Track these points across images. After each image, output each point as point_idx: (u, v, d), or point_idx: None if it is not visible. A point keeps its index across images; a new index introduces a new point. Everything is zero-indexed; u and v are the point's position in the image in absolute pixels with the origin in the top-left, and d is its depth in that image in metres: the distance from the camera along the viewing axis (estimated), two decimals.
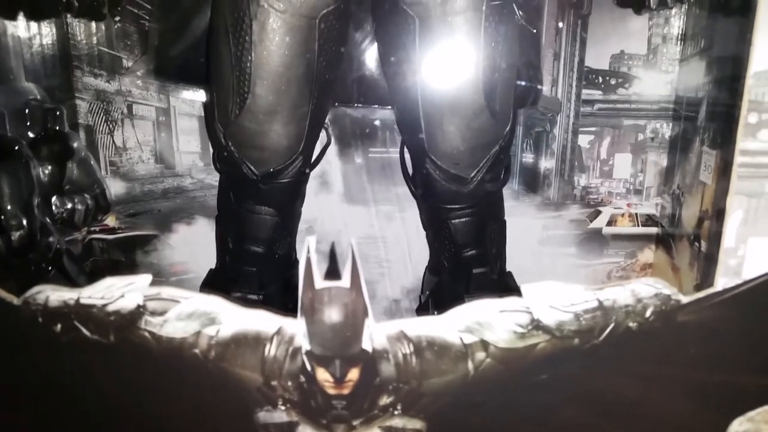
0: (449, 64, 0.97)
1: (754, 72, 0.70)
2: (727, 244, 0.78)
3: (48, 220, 1.07)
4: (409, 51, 0.99)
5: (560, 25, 1.23)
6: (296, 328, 0.76)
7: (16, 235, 0.93)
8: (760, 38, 0.69)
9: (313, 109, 1.05)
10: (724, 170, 0.99)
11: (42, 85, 1.24)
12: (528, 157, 1.32)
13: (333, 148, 1.30)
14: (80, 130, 1.32)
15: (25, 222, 0.95)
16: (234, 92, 0.99)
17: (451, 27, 0.95)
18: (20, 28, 1.17)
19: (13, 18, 1.18)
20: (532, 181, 1.33)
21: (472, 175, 1.05)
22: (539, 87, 1.17)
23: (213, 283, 1.18)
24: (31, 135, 1.09)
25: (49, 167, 1.09)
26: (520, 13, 1.08)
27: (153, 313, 0.77)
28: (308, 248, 0.73)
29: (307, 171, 1.11)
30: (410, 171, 1.18)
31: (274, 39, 0.95)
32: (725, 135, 0.97)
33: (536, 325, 0.75)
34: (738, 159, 0.74)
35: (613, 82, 1.26)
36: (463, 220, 1.11)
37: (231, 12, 0.96)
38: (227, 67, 0.99)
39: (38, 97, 1.12)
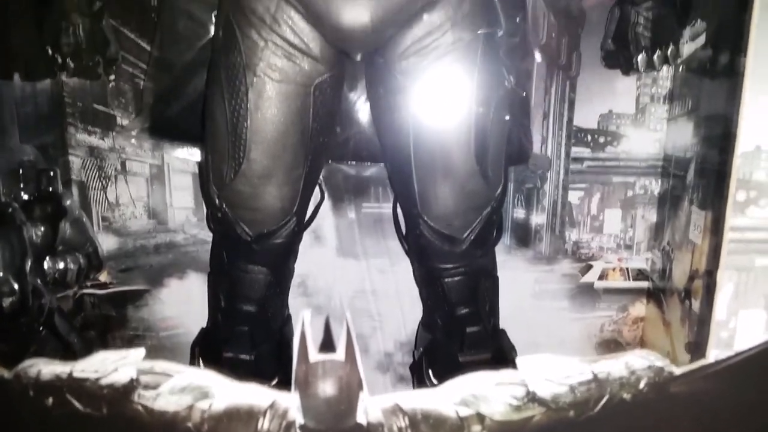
0: (441, 130, 0.99)
1: (741, 152, 0.72)
2: (719, 316, 0.79)
3: (40, 282, 1.07)
4: (401, 116, 1.01)
5: (549, 86, 1.26)
6: (290, 401, 0.76)
7: (7, 302, 0.93)
8: (745, 120, 0.71)
9: (308, 172, 1.06)
10: (713, 231, 1.00)
11: (36, 142, 1.25)
12: (519, 213, 1.33)
13: (326, 203, 1.31)
14: (73, 186, 1.33)
15: (17, 287, 0.94)
16: (229, 157, 1.00)
17: (443, 96, 0.97)
18: (15, 87, 1.18)
19: (9, 78, 1.20)
20: (524, 236, 1.34)
21: (465, 235, 1.06)
22: (529, 147, 1.19)
23: (205, 343, 1.18)
24: (24, 196, 1.10)
25: (42, 228, 1.09)
26: (511, 78, 1.11)
27: (146, 387, 0.77)
28: (303, 322, 0.73)
29: (301, 231, 1.12)
30: (403, 229, 1.19)
31: (270, 107, 0.97)
32: (715, 197, 0.99)
33: (532, 398, 0.75)
34: (728, 235, 0.76)
35: (601, 140, 1.28)
36: (456, 279, 1.11)
37: (227, 80, 0.98)
38: (223, 133, 1.00)
39: (32, 157, 1.13)
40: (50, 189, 1.11)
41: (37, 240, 1.08)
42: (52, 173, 1.13)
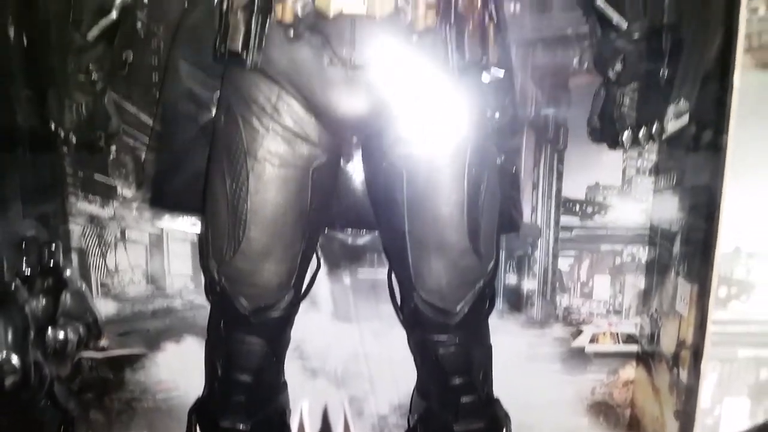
0: (435, 210, 1.02)
1: (722, 253, 0.76)
2: (704, 404, 0.82)
3: (41, 354, 1.09)
4: (397, 197, 1.04)
5: (538, 158, 1.30)
6: None
7: (9, 381, 0.94)
8: (725, 223, 0.75)
9: (305, 248, 1.09)
10: (699, 305, 1.03)
11: (37, 212, 1.28)
12: (511, 279, 1.36)
13: (322, 269, 1.34)
14: (73, 253, 1.35)
15: (19, 366, 0.96)
16: (229, 235, 1.03)
17: (436, 177, 1.01)
18: (18, 160, 1.21)
19: (13, 151, 1.23)
20: (516, 301, 1.37)
21: (458, 308, 1.09)
22: (519, 218, 1.23)
23: (201, 411, 1.19)
24: (26, 270, 1.12)
25: (44, 301, 1.11)
26: (502, 156, 1.15)
27: None
28: (301, 412, 0.75)
29: (298, 303, 1.14)
30: (398, 297, 1.21)
31: (270, 189, 1.00)
32: (701, 270, 1.02)
33: None
34: (710, 328, 0.79)
35: (589, 210, 1.32)
36: (450, 349, 1.14)
37: (228, 163, 1.01)
38: (223, 213, 1.03)
39: (34, 231, 1.15)
40: (52, 262, 1.13)
41: (39, 313, 1.10)
42: (53, 246, 1.15)
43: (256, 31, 0.94)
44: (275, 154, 1.00)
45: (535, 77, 1.27)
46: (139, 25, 1.26)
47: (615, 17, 1.06)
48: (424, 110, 0.99)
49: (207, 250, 1.11)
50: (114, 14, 1.08)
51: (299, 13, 0.93)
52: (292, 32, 0.95)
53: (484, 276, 1.09)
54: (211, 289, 1.13)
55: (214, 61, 1.03)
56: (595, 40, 1.12)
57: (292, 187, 1.02)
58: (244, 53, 0.95)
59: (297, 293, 1.14)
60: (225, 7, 0.98)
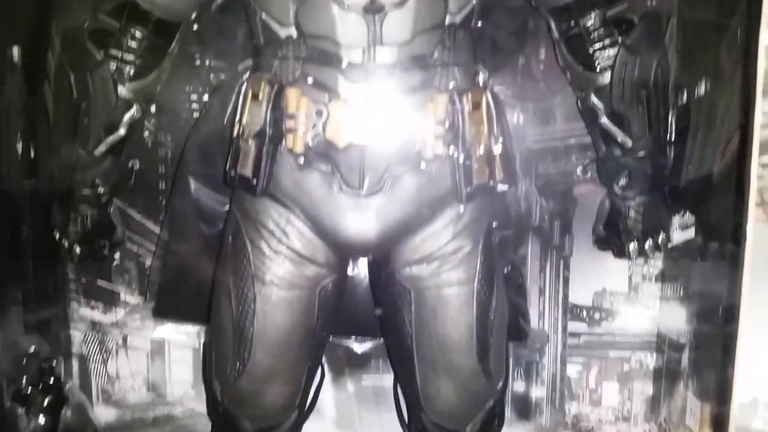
0: (443, 332, 1.01)
1: (738, 403, 0.75)
2: None
3: None
4: (404, 316, 1.03)
5: (544, 264, 1.30)
6: None
7: None
8: (741, 371, 0.74)
9: (311, 366, 1.08)
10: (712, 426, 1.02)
11: (37, 317, 1.26)
12: (519, 386, 1.34)
13: (326, 376, 1.32)
14: (74, 359, 1.33)
15: None
16: (234, 357, 1.02)
17: (444, 298, 1.01)
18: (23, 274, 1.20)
19: (16, 261, 1.22)
20: (525, 409, 1.34)
21: (468, 429, 1.07)
22: (527, 327, 1.22)
23: None
24: (26, 387, 1.10)
25: (44, 419, 1.08)
26: (508, 267, 1.15)
27: None
28: None
29: (302, 422, 1.12)
30: (403, 409, 1.19)
31: (277, 312, 1.00)
32: (712, 396, 1.01)
33: None
34: None
35: (597, 316, 1.31)
36: None
37: (235, 285, 1.01)
38: (228, 334, 1.02)
39: (35, 347, 1.14)
40: (52, 379, 1.11)
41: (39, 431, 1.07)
42: (54, 362, 1.13)
43: (266, 160, 0.95)
44: (283, 277, 0.99)
45: (539, 185, 1.27)
46: (146, 133, 1.28)
47: (620, 136, 1.07)
48: (431, 236, 0.99)
49: (210, 368, 1.09)
50: (122, 131, 1.09)
51: (310, 142, 0.94)
52: (302, 159, 0.95)
53: (495, 395, 1.08)
54: (213, 409, 1.11)
55: (224, 183, 1.04)
56: (599, 154, 1.14)
57: (299, 308, 1.01)
58: (254, 180, 0.95)
59: (301, 413, 1.12)
60: (236, 132, 0.98)
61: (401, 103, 0.94)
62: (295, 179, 0.96)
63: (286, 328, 1.01)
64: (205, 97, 1.27)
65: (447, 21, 0.95)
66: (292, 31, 0.94)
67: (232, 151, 0.99)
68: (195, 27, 1.13)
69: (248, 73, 1.05)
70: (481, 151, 0.96)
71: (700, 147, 1.14)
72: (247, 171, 0.96)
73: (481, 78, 1.03)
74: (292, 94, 0.94)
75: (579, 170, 1.28)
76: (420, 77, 0.95)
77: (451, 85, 0.96)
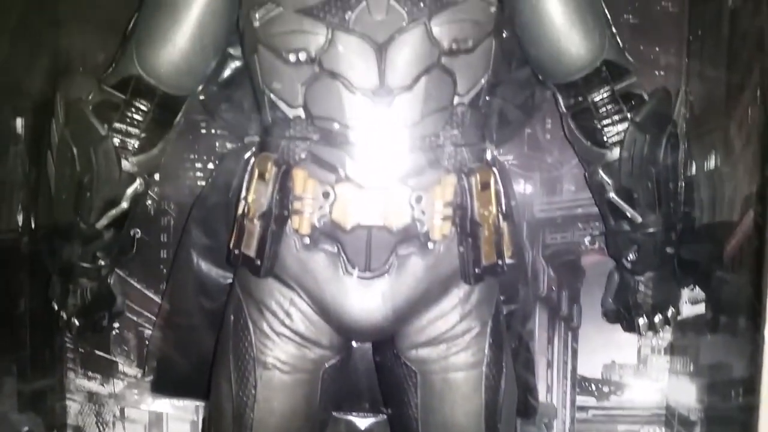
0: (451, 418, 0.98)
1: None
2: None
3: None
4: (410, 399, 1.00)
5: (552, 335, 1.28)
6: None
7: None
8: None
9: None
10: None
11: (32, 388, 1.23)
12: None
13: None
14: (69, 430, 1.30)
15: None
16: None
17: (452, 383, 0.98)
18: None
19: (13, 333, 1.20)
20: None
21: None
22: (535, 404, 1.19)
23: None
24: None
25: None
26: (516, 342, 1.12)
27: None
28: None
29: None
30: None
31: (278, 397, 0.97)
32: None
33: None
34: None
35: (606, 389, 1.28)
36: None
37: (236, 368, 0.98)
38: (227, 418, 0.99)
39: (29, 428, 1.10)
40: None
41: None
42: None
43: (271, 241, 0.93)
44: (286, 361, 0.96)
45: (547, 255, 1.26)
46: (149, 201, 1.26)
47: (629, 211, 1.06)
48: (439, 317, 0.96)
49: None
50: (125, 204, 1.07)
51: (316, 223, 0.92)
52: (308, 240, 0.93)
53: None
54: None
55: (227, 262, 1.02)
56: (608, 228, 1.12)
57: (302, 392, 0.98)
58: (258, 261, 0.94)
59: None
60: (241, 210, 0.97)
61: (409, 184, 0.93)
62: (300, 260, 0.95)
63: (287, 415, 0.98)
64: (210, 165, 1.27)
65: (455, 101, 0.94)
66: (300, 112, 0.93)
67: (236, 229, 0.98)
68: (201, 97, 1.13)
69: (255, 147, 1.05)
70: (489, 230, 0.95)
71: (709, 224, 1.13)
72: (251, 251, 0.94)
73: (488, 154, 1.02)
74: (299, 176, 0.92)
75: (587, 240, 1.27)
76: (428, 157, 0.94)
77: (460, 164, 0.95)
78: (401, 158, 0.92)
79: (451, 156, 0.95)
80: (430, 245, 0.94)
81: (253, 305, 0.98)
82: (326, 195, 0.92)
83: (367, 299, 0.94)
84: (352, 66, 0.89)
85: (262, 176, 0.94)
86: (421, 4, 0.88)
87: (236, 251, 0.97)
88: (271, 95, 0.95)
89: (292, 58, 0.91)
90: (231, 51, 1.09)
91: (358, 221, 0.92)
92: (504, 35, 1.01)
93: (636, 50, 1.21)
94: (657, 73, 1.23)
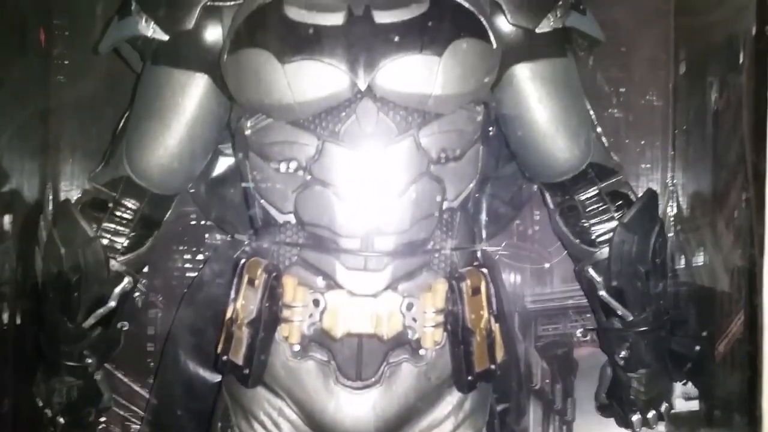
0: None
1: None
2: None
3: None
4: None
5: (546, 429, 1.26)
6: None
7: None
8: None
9: None
10: None
11: None
12: None
13: None
14: None
15: None
16: None
17: None
18: None
19: None
20: None
21: None
22: None
23: None
24: None
25: None
26: None
27: None
28: None
29: None
30: None
31: None
32: None
33: None
34: None
35: None
36: None
37: None
38: None
39: None
40: None
41: None
42: None
43: (260, 350, 0.91)
44: None
45: (539, 347, 1.25)
46: (137, 293, 1.25)
47: (620, 310, 1.05)
48: (432, 425, 0.95)
49: None
50: (113, 303, 1.05)
51: (306, 332, 0.91)
52: (297, 348, 0.92)
53: None
54: None
55: (214, 368, 1.01)
56: (599, 324, 1.12)
57: None
58: (246, 370, 0.91)
59: None
60: (230, 314, 0.95)
61: (399, 290, 0.92)
62: (289, 368, 0.93)
63: None
64: (200, 257, 1.27)
65: (444, 206, 0.95)
66: (291, 218, 0.93)
67: (224, 335, 0.96)
68: (191, 190, 1.13)
69: (245, 247, 1.04)
70: (481, 337, 0.94)
71: (700, 320, 1.13)
72: (239, 359, 0.92)
73: (478, 253, 1.03)
74: (288, 283, 0.92)
75: (579, 332, 1.27)
76: (418, 262, 0.93)
77: (450, 268, 0.95)
78: (391, 264, 0.91)
79: (441, 260, 0.95)
80: (422, 352, 0.93)
81: (241, 414, 0.96)
82: (316, 303, 0.91)
83: (358, 410, 0.91)
84: (342, 175, 0.90)
85: (251, 282, 0.93)
86: (410, 117, 0.90)
87: (224, 358, 0.95)
88: (262, 200, 0.96)
89: (282, 167, 0.92)
90: (222, 148, 1.10)
91: (348, 329, 0.91)
92: (490, 132, 1.03)
93: (621, 143, 1.25)
94: (643, 166, 1.25)
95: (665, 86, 1.25)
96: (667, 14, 1.26)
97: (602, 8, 1.15)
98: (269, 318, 0.92)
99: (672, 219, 1.16)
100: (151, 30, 0.95)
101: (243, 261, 0.97)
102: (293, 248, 0.93)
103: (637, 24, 1.25)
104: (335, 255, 0.92)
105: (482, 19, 0.92)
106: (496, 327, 0.98)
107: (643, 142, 1.25)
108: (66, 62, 1.26)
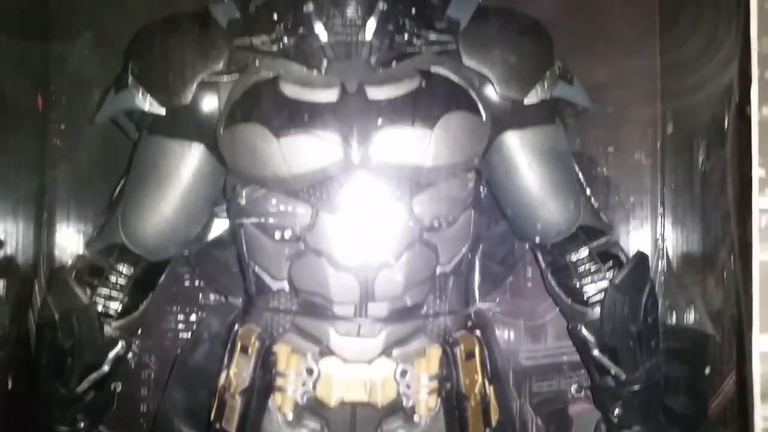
0: None
1: None
2: None
3: None
4: None
5: None
6: None
7: None
8: None
9: None
10: None
11: None
12: None
13: None
14: None
15: None
16: None
17: None
18: None
19: None
20: None
21: None
22: None
23: None
24: None
25: None
26: None
27: None
28: None
29: None
30: None
31: None
32: None
33: None
34: None
35: None
36: None
37: None
38: None
39: None
40: None
41: None
42: None
43: (253, 418, 0.91)
44: None
45: (534, 404, 1.25)
46: (129, 354, 1.25)
47: (613, 368, 1.06)
48: None
49: None
50: (106, 368, 1.05)
51: (299, 400, 0.91)
52: (291, 416, 0.92)
53: None
54: None
55: None
56: (593, 381, 1.12)
57: None
58: None
59: None
60: (223, 382, 0.96)
61: (393, 356, 0.92)
62: None
63: None
64: (193, 317, 1.27)
65: (438, 271, 0.96)
66: (285, 285, 0.94)
67: (216, 402, 0.96)
68: (186, 252, 1.14)
69: (238, 311, 1.05)
70: (475, 401, 0.94)
71: (692, 377, 1.14)
72: (232, 428, 0.92)
73: (472, 317, 1.03)
74: (282, 352, 0.92)
75: (573, 388, 1.26)
76: (411, 327, 0.94)
77: (444, 333, 0.96)
78: (385, 330, 0.92)
79: (435, 325, 0.96)
80: (416, 418, 0.93)
81: None
82: (310, 371, 0.91)
83: None
84: (336, 244, 0.91)
85: (245, 350, 0.94)
86: (403, 187, 0.91)
87: (217, 425, 0.95)
88: (256, 268, 0.97)
89: (277, 235, 0.93)
90: (217, 211, 1.11)
91: (342, 397, 0.91)
92: (482, 192, 1.04)
93: (611, 201, 1.27)
94: (632, 222, 1.27)
95: (653, 145, 1.27)
96: (653, 77, 1.28)
97: (589, 69, 1.19)
98: (262, 386, 0.93)
99: (662, 276, 1.17)
100: (148, 104, 0.96)
101: (236, 327, 0.99)
102: (287, 316, 0.94)
103: (624, 84, 1.28)
104: (329, 321, 0.92)
105: (472, 92, 0.94)
106: (490, 390, 0.99)
107: (632, 200, 1.27)
108: (62, 126, 1.28)
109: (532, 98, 0.97)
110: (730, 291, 1.00)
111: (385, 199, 0.91)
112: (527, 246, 1.14)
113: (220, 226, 1.12)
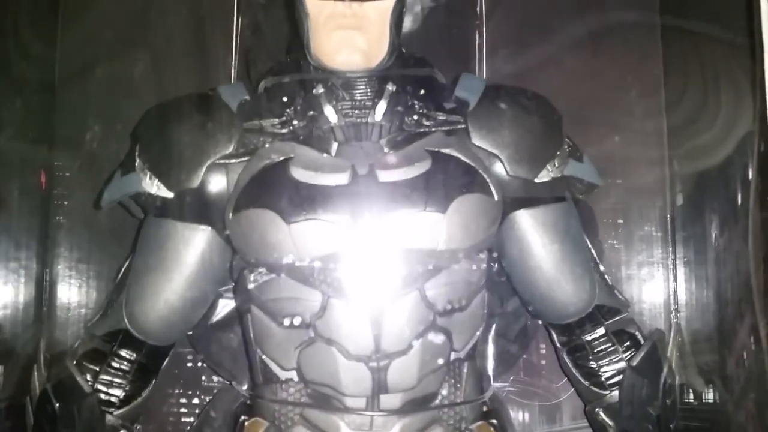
0: None
1: None
2: None
3: None
4: None
5: None
6: None
7: None
8: None
9: None
10: None
11: None
12: None
13: None
14: None
15: None
16: None
17: None
18: None
19: None
20: None
21: None
22: None
23: None
24: None
25: None
26: None
27: None
28: None
29: None
30: None
31: None
32: None
33: None
34: None
35: None
36: None
37: None
38: None
39: None
40: None
41: None
42: None
43: None
44: None
45: None
46: None
47: None
48: None
49: None
50: None
51: None
52: None
53: None
54: None
55: None
56: None
57: None
58: None
59: None
60: None
61: None
62: None
63: None
64: (196, 400, 1.22)
65: (452, 357, 0.93)
66: (293, 375, 0.91)
67: None
68: (189, 333, 1.11)
69: (245, 400, 1.01)
70: None
71: None
72: None
73: (487, 402, 1.00)
74: None
75: None
76: (426, 419, 0.91)
77: (460, 423, 0.92)
78: (399, 423, 0.88)
79: (451, 416, 0.92)
80: None
81: None
82: None
83: None
84: (347, 332, 0.88)
85: None
86: (416, 271, 0.89)
87: None
88: (263, 356, 0.93)
89: (286, 322, 0.90)
90: (222, 291, 1.08)
91: None
92: (493, 268, 1.02)
93: (622, 273, 1.25)
94: (644, 295, 1.24)
95: (663, 216, 1.26)
96: (660, 146, 1.28)
97: (596, 140, 1.19)
98: None
99: (677, 355, 1.14)
100: (155, 187, 0.95)
101: (243, 419, 0.95)
102: (295, 408, 0.90)
103: (632, 155, 1.27)
104: (339, 415, 0.89)
105: (482, 172, 0.93)
106: None
107: (643, 272, 1.26)
108: (66, 203, 1.26)
109: (543, 177, 0.97)
110: (752, 371, 0.97)
111: (398, 284, 0.88)
112: (540, 322, 1.12)
113: (224, 307, 1.10)
